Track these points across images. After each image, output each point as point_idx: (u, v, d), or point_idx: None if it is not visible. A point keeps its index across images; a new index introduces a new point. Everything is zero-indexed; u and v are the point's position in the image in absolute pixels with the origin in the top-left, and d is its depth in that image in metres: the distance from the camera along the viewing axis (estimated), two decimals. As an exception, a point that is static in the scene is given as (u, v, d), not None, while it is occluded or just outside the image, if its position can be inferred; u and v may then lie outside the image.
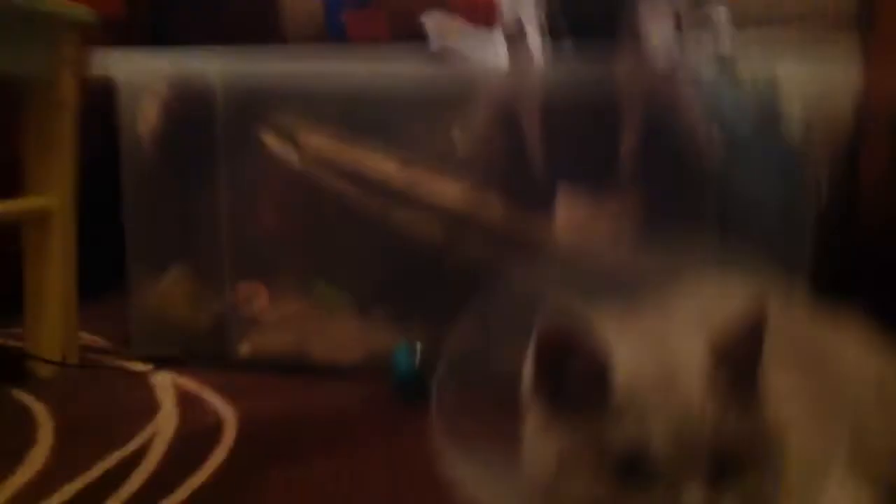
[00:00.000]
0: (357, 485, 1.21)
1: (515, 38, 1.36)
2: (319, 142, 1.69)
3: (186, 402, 1.55)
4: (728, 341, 0.75)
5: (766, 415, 0.76)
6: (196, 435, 1.39)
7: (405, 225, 1.64)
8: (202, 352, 1.77)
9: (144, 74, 1.76)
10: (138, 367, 1.75)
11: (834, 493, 0.85)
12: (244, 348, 1.76)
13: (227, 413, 1.49)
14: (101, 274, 1.76)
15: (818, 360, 0.93)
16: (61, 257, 1.69)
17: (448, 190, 1.60)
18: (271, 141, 1.70)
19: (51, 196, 1.68)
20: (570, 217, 1.45)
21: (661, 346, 0.78)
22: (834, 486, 0.86)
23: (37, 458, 1.28)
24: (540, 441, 0.78)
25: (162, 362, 1.74)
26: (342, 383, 1.63)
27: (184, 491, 1.18)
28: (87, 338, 1.84)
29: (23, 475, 1.22)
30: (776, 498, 0.75)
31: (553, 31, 1.08)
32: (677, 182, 1.37)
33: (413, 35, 1.96)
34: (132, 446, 1.33)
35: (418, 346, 1.56)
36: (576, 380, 0.76)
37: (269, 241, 1.78)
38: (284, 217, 1.79)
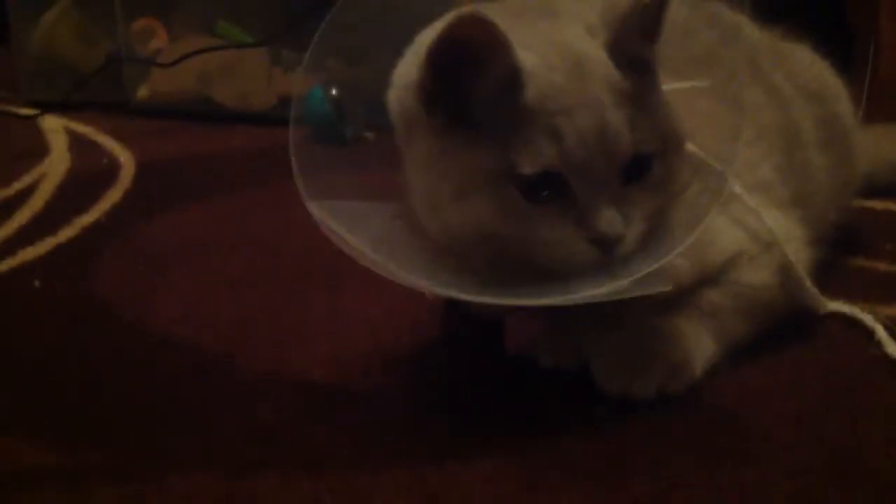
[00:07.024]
0: (255, 219, 1.14)
1: None
2: None
3: (79, 145, 1.45)
4: (622, 36, 0.68)
5: (671, 114, 0.70)
6: (89, 177, 1.30)
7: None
8: (95, 96, 1.63)
9: None
10: (25, 111, 1.61)
11: (775, 213, 0.81)
12: (141, 92, 1.63)
13: (124, 156, 1.39)
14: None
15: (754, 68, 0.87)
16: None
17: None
18: None
19: None
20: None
21: (564, 50, 0.68)
22: (774, 209, 0.81)
23: None
24: (434, 165, 0.69)
25: (52, 106, 1.61)
26: (248, 129, 1.54)
27: (72, 229, 1.09)
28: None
29: None
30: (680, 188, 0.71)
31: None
32: None
33: None
34: (17, 186, 1.23)
35: (333, 90, 1.45)
36: (478, 91, 0.66)
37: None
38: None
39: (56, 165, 1.33)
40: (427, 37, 0.69)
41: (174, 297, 0.93)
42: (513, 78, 0.66)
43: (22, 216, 1.12)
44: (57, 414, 0.72)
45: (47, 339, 0.84)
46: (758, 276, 0.78)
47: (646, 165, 0.68)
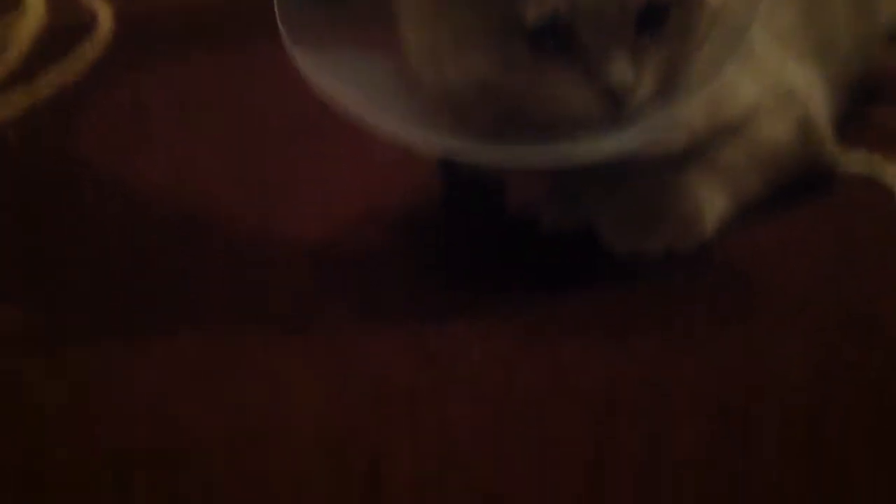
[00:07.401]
0: (242, 78, 1.08)
1: None
2: None
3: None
4: None
5: None
6: (66, 32, 1.23)
7: None
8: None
9: None
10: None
11: (794, 65, 0.76)
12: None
13: (103, 11, 1.31)
14: None
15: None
16: None
17: None
18: None
19: None
20: None
21: None
22: (794, 61, 0.76)
23: None
24: (430, 17, 0.64)
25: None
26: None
27: (49, 86, 1.04)
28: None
29: None
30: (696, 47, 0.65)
31: None
32: None
33: None
34: (-11, 42, 1.17)
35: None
36: None
37: None
38: None
39: (31, 20, 1.26)
40: None
41: (157, 156, 0.88)
42: None
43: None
44: (33, 276, 0.69)
45: (23, 197, 0.81)
46: (775, 130, 0.73)
47: (662, 15, 0.62)
